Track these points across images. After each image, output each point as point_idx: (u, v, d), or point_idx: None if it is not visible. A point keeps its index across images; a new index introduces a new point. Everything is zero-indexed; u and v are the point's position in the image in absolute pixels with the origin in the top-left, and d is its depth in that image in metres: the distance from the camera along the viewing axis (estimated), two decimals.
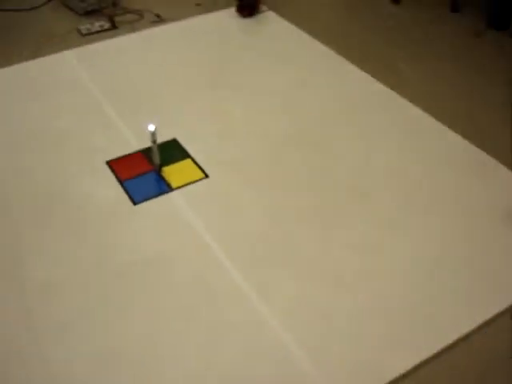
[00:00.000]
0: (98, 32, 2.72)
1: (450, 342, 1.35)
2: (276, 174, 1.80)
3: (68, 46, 2.67)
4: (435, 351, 1.34)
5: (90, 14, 2.97)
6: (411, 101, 2.08)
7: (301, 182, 1.77)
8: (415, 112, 2.05)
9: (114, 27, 2.76)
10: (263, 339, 1.36)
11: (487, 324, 1.40)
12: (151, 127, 1.70)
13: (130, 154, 1.88)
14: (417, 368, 1.32)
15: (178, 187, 1.75)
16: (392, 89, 2.15)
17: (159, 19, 2.78)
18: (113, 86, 2.23)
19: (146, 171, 1.81)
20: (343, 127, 1.99)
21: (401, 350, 1.34)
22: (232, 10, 2.72)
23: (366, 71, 2.25)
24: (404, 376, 1.30)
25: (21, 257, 1.56)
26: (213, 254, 1.55)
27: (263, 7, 2.75)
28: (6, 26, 2.92)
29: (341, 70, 2.30)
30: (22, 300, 1.45)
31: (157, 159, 1.78)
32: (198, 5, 2.91)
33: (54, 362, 1.32)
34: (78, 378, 1.29)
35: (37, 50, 2.50)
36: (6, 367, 1.31)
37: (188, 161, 1.85)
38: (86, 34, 2.73)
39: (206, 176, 1.79)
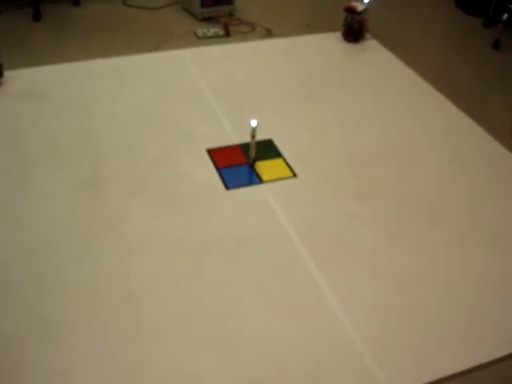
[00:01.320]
0: (212, 37, 2.94)
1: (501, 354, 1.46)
2: (358, 184, 1.95)
3: (184, 46, 2.90)
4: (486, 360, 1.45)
5: (207, 20, 3.22)
6: (496, 138, 2.20)
7: (380, 194, 1.91)
8: (496, 147, 2.17)
9: (227, 35, 2.98)
10: (325, 321, 1.51)
11: None
12: (253, 122, 1.90)
13: (228, 146, 2.08)
14: (465, 373, 1.43)
15: (268, 181, 1.93)
16: (479, 124, 2.27)
17: (269, 34, 2.98)
18: (219, 85, 2.45)
19: (241, 163, 2.01)
20: (425, 152, 2.12)
21: (453, 354, 1.46)
22: (338, 34, 2.90)
23: (457, 105, 2.38)
24: (451, 377, 1.42)
25: (119, 219, 1.77)
26: (291, 242, 1.72)
27: (368, 35, 2.91)
28: (132, 20, 3.22)
29: (431, 100, 2.44)
30: (119, 257, 1.65)
31: (253, 153, 1.97)
32: (307, 26, 3.10)
33: (145, 315, 1.52)
34: (165, 324, 1.48)
35: (157, 46, 2.75)
36: (96, 310, 1.52)
37: (280, 160, 2.03)
38: (201, 38, 2.97)
39: (295, 175, 1.96)
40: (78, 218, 1.76)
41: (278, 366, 1.40)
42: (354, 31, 2.84)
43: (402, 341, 1.47)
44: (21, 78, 2.43)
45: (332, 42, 2.87)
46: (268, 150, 2.06)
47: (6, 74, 2.39)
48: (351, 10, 2.80)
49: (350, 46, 2.84)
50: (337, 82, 2.51)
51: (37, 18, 3.28)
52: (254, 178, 1.94)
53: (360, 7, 2.77)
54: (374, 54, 2.79)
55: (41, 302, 1.51)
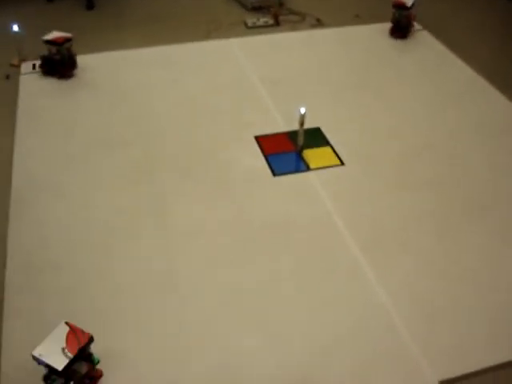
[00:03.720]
0: (261, 27, 2.95)
1: None
2: (405, 174, 1.93)
3: (234, 35, 2.91)
4: None
5: (256, 9, 3.23)
6: None
7: (427, 185, 1.89)
8: None
9: (277, 24, 2.99)
10: (371, 309, 1.51)
11: None
12: (302, 110, 1.90)
13: (276, 134, 2.08)
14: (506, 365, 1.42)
15: (315, 168, 1.94)
16: None
17: (319, 23, 2.97)
18: (268, 73, 2.45)
19: (289, 150, 2.01)
20: (476, 145, 2.09)
21: (497, 345, 1.44)
22: (388, 25, 2.87)
23: (510, 100, 2.33)
24: (497, 367, 1.40)
25: (168, 203, 1.80)
26: (337, 229, 1.72)
27: (417, 26, 2.87)
28: (182, 9, 3.25)
29: (483, 94, 2.39)
30: (166, 239, 1.68)
31: (301, 140, 1.98)
32: (356, 16, 3.09)
33: (186, 292, 1.54)
34: (207, 310, 1.50)
35: (207, 34, 2.77)
36: (139, 294, 1.55)
37: (327, 148, 2.03)
38: (251, 27, 2.98)
39: (342, 163, 1.96)
40: (129, 201, 1.79)
41: (323, 355, 1.40)
42: (403, 27, 2.77)
43: (449, 332, 1.46)
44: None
45: (383, 32, 2.84)
46: (316, 137, 2.06)
47: None
48: (400, 6, 2.73)
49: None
50: (387, 72, 2.49)
51: (90, 6, 3.33)
52: (301, 166, 1.95)
53: (409, 2, 2.70)
54: (425, 46, 2.75)
55: (83, 285, 1.55)
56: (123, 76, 2.39)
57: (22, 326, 1.43)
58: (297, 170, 1.93)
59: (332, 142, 2.05)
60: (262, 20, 2.99)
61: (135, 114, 2.17)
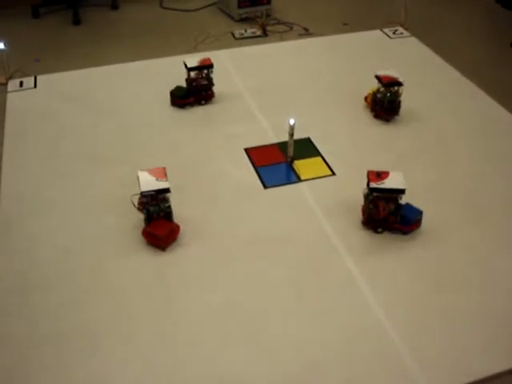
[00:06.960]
0: (249, 37, 2.96)
1: None
2: None
3: (222, 46, 2.91)
4: None
5: (244, 20, 3.24)
6: None
7: (419, 192, 1.87)
8: None
9: (264, 35, 3.00)
10: (365, 321, 1.49)
11: None
12: (291, 121, 1.89)
13: (266, 145, 2.07)
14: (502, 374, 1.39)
15: (306, 179, 1.92)
16: None
17: (307, 32, 2.98)
18: (257, 85, 2.44)
19: (279, 162, 2.00)
20: (464, 148, 2.08)
21: (495, 355, 1.42)
22: (377, 32, 2.86)
23: (498, 102, 2.32)
24: (494, 377, 1.38)
25: None
26: (329, 240, 1.70)
27: (405, 33, 2.85)
28: (169, 22, 3.25)
29: (471, 96, 2.38)
30: (154, 254, 1.66)
31: (291, 151, 1.96)
32: (344, 24, 3.09)
33: (177, 307, 1.52)
34: (199, 324, 1.48)
35: (194, 46, 2.78)
36: (138, 306, 1.53)
37: (318, 158, 2.01)
38: (239, 38, 2.98)
39: (333, 174, 1.95)
40: (117, 217, 1.78)
41: (317, 367, 1.38)
42: (396, 107, 2.19)
43: (443, 341, 1.44)
44: (60, 80, 2.46)
45: (371, 40, 2.83)
46: (306, 148, 2.05)
47: (46, 77, 2.43)
48: (392, 83, 2.15)
49: (388, 43, 2.80)
50: (375, 79, 2.47)
51: (76, 21, 3.33)
52: (292, 177, 1.93)
53: (395, 73, 2.16)
54: (412, 49, 2.75)
55: (74, 303, 1.53)
56: (107, 90, 2.37)
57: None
58: (288, 182, 1.92)
59: (322, 152, 2.04)
60: (250, 31, 3.00)
61: (120, 127, 2.16)
